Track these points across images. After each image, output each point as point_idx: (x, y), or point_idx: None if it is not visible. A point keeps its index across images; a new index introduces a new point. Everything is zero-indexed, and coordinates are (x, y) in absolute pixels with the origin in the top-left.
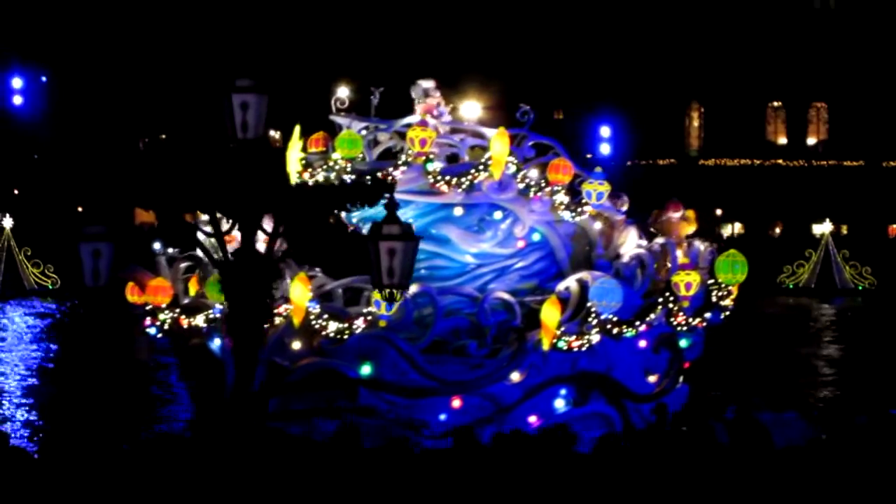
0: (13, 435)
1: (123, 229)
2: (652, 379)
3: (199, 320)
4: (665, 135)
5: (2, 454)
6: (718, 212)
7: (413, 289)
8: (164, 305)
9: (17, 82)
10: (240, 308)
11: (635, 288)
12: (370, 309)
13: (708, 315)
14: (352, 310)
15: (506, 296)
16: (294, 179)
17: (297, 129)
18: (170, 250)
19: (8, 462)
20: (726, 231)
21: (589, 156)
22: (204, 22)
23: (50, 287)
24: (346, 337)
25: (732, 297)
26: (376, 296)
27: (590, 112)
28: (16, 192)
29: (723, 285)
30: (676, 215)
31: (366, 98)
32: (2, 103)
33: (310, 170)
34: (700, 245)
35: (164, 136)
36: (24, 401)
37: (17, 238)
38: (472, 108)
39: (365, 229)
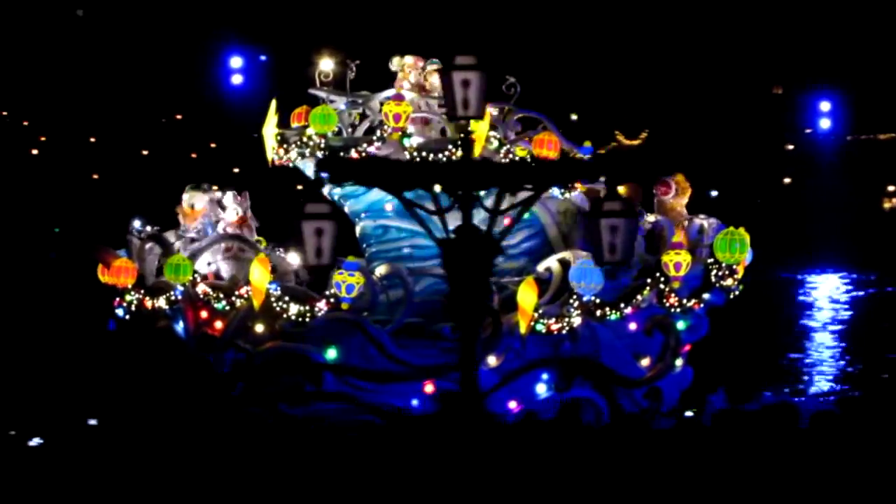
0: None
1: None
2: (644, 363)
3: (162, 302)
4: (886, 109)
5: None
6: None
7: (382, 270)
8: (129, 286)
9: (236, 62)
10: (460, 285)
11: (627, 269)
12: (332, 291)
13: (706, 296)
14: None
15: None
16: (270, 156)
17: (274, 103)
18: (147, 228)
19: None
20: None
21: (808, 130)
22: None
23: None
24: (307, 319)
25: (737, 276)
26: (337, 277)
27: (810, 87)
28: (236, 170)
29: (723, 265)
30: (667, 197)
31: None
32: (222, 83)
33: (285, 145)
34: (703, 221)
35: None
36: None
37: None
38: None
39: (347, 206)
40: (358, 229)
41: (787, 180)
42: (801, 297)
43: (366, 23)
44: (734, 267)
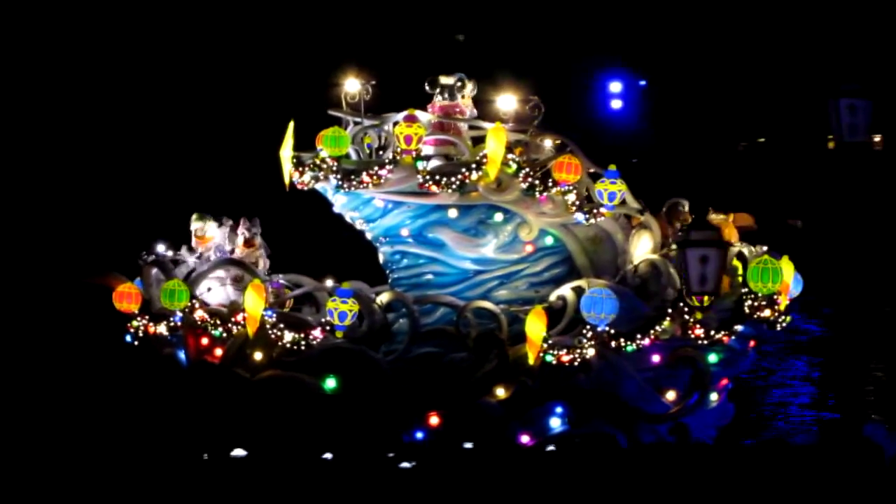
0: None
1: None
2: (670, 397)
3: (162, 328)
4: None
5: None
6: None
7: (385, 297)
8: (136, 312)
9: (615, 86)
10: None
11: (650, 298)
12: (327, 318)
13: (739, 328)
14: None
15: (489, 304)
16: (286, 179)
17: (291, 125)
18: (169, 254)
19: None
20: None
21: None
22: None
23: None
24: (303, 347)
25: (778, 307)
26: (329, 304)
27: None
28: None
29: (758, 295)
30: (719, 216)
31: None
32: (601, 108)
33: (300, 168)
34: (742, 249)
35: (762, 140)
36: None
37: None
38: (507, 101)
39: (367, 233)
40: (380, 255)
41: None
42: None
43: None
44: (774, 297)
